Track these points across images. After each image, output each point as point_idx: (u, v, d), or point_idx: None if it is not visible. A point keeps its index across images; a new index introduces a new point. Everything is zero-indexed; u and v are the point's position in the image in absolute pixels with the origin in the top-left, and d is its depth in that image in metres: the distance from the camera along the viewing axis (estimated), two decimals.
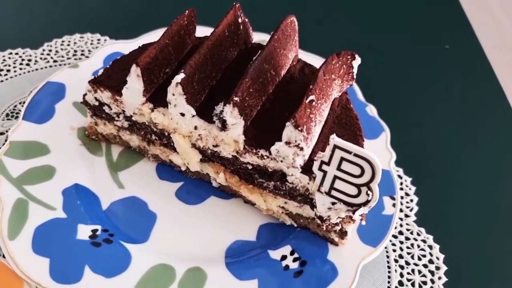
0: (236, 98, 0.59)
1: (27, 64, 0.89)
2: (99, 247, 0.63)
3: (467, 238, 0.72)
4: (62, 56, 0.91)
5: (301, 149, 0.58)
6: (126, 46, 0.86)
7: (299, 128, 0.56)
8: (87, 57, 0.91)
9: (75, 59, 0.91)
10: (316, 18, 1.06)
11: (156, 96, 0.65)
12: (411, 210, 0.74)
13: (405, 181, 0.77)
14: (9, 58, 0.89)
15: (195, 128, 0.64)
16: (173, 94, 0.61)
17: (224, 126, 0.61)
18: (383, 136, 0.78)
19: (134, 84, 0.63)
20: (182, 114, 0.63)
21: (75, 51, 0.92)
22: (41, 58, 0.90)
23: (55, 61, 0.90)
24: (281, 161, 0.60)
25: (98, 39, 0.95)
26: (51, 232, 0.63)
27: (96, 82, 0.67)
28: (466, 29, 1.07)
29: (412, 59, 1.01)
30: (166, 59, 0.66)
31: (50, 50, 0.91)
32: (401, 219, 0.73)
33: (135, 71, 0.62)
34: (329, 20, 1.08)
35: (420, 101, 0.93)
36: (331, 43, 0.99)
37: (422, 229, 0.72)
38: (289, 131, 0.57)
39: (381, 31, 1.07)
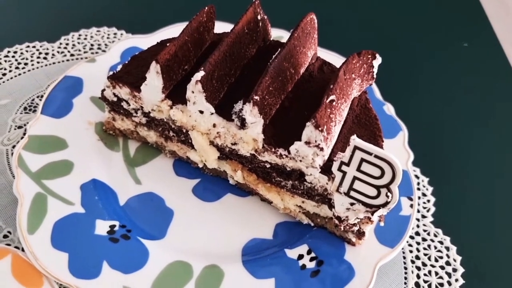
0: (256, 97, 0.58)
1: (45, 58, 0.89)
2: (117, 243, 0.63)
3: (485, 240, 0.72)
4: (79, 50, 0.91)
5: (321, 149, 0.57)
6: (143, 41, 0.86)
7: (320, 129, 0.56)
8: (103, 51, 0.91)
9: (92, 53, 0.91)
10: (333, 15, 1.05)
11: (175, 93, 0.65)
12: (428, 211, 0.73)
13: (422, 181, 0.77)
14: (27, 51, 0.90)
15: (214, 125, 0.64)
16: (193, 92, 0.61)
17: (243, 125, 0.61)
18: (400, 136, 0.77)
19: (153, 80, 0.63)
20: (201, 112, 0.63)
21: (92, 44, 0.92)
22: (58, 52, 0.90)
23: (72, 54, 0.90)
24: (300, 160, 0.60)
25: (115, 33, 0.95)
26: (69, 227, 0.64)
27: (115, 78, 0.67)
28: (485, 26, 1.05)
29: (431, 57, 0.99)
30: (185, 56, 0.65)
31: (67, 44, 0.92)
32: (418, 219, 0.72)
33: (154, 68, 0.62)
34: (346, 18, 1.07)
35: (438, 99, 0.92)
36: (348, 41, 0.98)
37: (439, 230, 0.71)
38: (309, 131, 0.57)
39: (399, 29, 1.06)
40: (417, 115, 0.87)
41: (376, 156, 0.55)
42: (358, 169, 0.56)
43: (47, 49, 0.90)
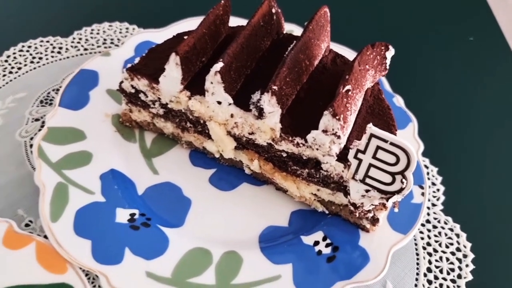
0: (274, 87, 0.60)
1: (59, 52, 0.90)
2: (138, 230, 0.65)
3: (494, 227, 0.74)
4: (92, 44, 0.92)
5: (338, 137, 0.59)
6: (156, 35, 0.88)
7: (337, 117, 0.58)
8: (116, 45, 0.93)
9: (105, 47, 0.92)
10: (339, 9, 1.07)
11: (193, 84, 0.67)
12: (438, 200, 0.75)
13: (432, 171, 0.79)
14: (41, 45, 0.91)
15: (231, 116, 0.65)
16: (211, 83, 0.63)
17: (261, 114, 0.62)
18: (410, 127, 0.79)
19: (173, 72, 0.65)
20: (219, 102, 0.65)
21: (105, 39, 0.94)
22: (72, 46, 0.91)
23: (85, 49, 0.91)
24: (317, 149, 0.62)
25: (127, 28, 0.96)
26: (91, 215, 0.65)
27: (134, 70, 0.69)
28: (490, 21, 1.07)
29: (437, 51, 1.01)
30: (202, 48, 0.67)
31: (80, 39, 0.93)
32: (428, 208, 0.74)
33: (174, 59, 0.63)
34: (351, 12, 1.09)
35: (446, 92, 0.94)
36: (354, 34, 0.99)
37: (449, 218, 0.73)
38: (326, 120, 0.58)
39: (405, 23, 1.08)
40: (425, 106, 0.88)
41: (391, 144, 0.56)
42: (374, 157, 0.58)
43: (61, 43, 0.92)
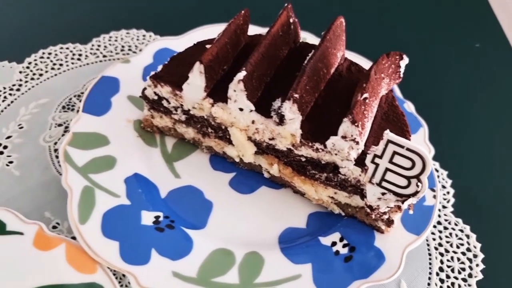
0: (296, 95, 0.63)
1: (78, 59, 0.93)
2: (163, 232, 0.68)
3: (503, 228, 0.77)
4: (111, 51, 0.95)
5: (357, 143, 0.62)
6: (174, 42, 0.90)
7: (356, 124, 0.61)
8: (134, 52, 0.95)
9: (123, 54, 0.95)
10: (347, 18, 1.10)
11: (215, 92, 0.69)
12: (448, 202, 0.78)
13: (442, 174, 0.82)
14: (61, 52, 0.94)
15: (253, 122, 0.68)
16: (235, 91, 0.65)
17: (281, 121, 0.65)
18: (421, 132, 0.82)
19: (196, 80, 0.67)
20: (241, 109, 0.67)
21: (123, 46, 0.96)
22: (91, 53, 0.94)
23: (104, 56, 0.94)
24: (336, 154, 0.65)
25: (143, 35, 0.99)
26: (117, 217, 0.68)
27: (157, 78, 0.72)
28: (495, 28, 1.11)
29: (445, 58, 1.05)
30: (224, 56, 0.70)
31: (99, 45, 0.96)
32: (439, 210, 0.77)
33: (198, 68, 0.66)
34: (359, 20, 1.12)
35: (453, 97, 0.97)
36: (363, 42, 1.03)
37: (459, 220, 0.76)
38: (345, 126, 0.61)
39: (412, 30, 1.11)
40: (434, 112, 0.91)
41: (407, 149, 0.59)
42: (390, 161, 0.61)
43: (80, 50, 0.94)
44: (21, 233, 0.66)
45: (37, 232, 0.66)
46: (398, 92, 0.88)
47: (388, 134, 0.59)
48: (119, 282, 0.66)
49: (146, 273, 0.63)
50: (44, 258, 0.64)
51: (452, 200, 0.79)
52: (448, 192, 0.80)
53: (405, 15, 1.15)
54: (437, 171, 0.82)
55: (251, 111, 0.67)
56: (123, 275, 0.67)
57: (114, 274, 0.66)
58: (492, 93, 0.99)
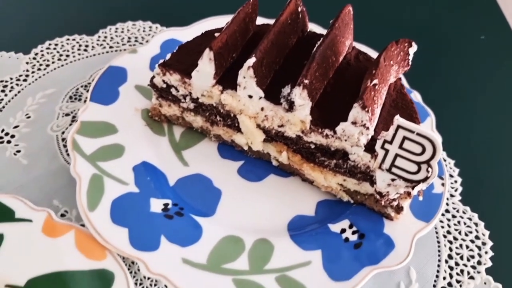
0: (306, 81, 0.63)
1: (85, 50, 0.93)
2: (172, 219, 0.68)
3: (511, 216, 0.77)
4: (117, 42, 0.95)
5: (367, 128, 0.62)
6: (180, 33, 0.90)
7: (366, 109, 0.61)
8: (140, 43, 0.95)
9: (130, 45, 0.95)
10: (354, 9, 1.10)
11: (225, 79, 0.69)
12: (456, 191, 0.78)
13: (449, 163, 0.82)
14: (67, 43, 0.94)
15: (262, 109, 0.68)
16: (244, 77, 0.65)
17: (291, 107, 0.65)
18: (428, 121, 0.82)
19: (206, 67, 0.67)
20: (250, 96, 0.68)
21: (129, 37, 0.96)
22: (97, 44, 0.94)
23: (111, 47, 0.94)
24: (346, 140, 0.65)
25: (150, 27, 0.99)
26: (126, 204, 0.68)
27: (166, 66, 0.72)
28: (501, 22, 1.11)
29: (451, 49, 1.05)
30: (233, 44, 0.70)
31: (105, 37, 0.96)
32: (447, 198, 0.77)
33: (208, 54, 0.66)
34: (366, 12, 1.12)
35: (459, 88, 0.97)
36: (371, 34, 1.03)
37: (467, 208, 0.76)
38: (356, 112, 0.61)
39: (418, 23, 1.11)
40: (441, 102, 0.92)
41: (418, 134, 0.59)
42: (400, 147, 0.61)
43: (87, 41, 0.94)
44: (30, 220, 0.66)
45: (46, 219, 0.66)
46: (404, 83, 0.88)
47: (398, 120, 0.59)
48: (129, 269, 0.66)
49: (156, 259, 0.63)
50: (53, 244, 0.64)
51: (460, 189, 0.79)
52: (455, 181, 0.80)
53: (412, 7, 1.15)
54: (444, 160, 0.82)
55: (261, 98, 0.67)
56: (132, 262, 0.67)
57: (123, 261, 0.66)
58: (498, 83, 0.99)
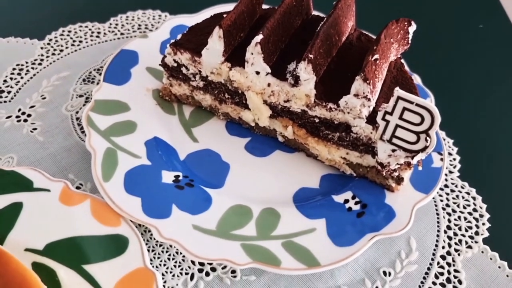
0: (310, 55, 0.66)
1: (97, 36, 0.97)
2: (183, 190, 0.71)
3: (507, 191, 0.80)
4: (128, 30, 0.99)
5: (369, 100, 0.65)
6: (189, 20, 0.94)
7: (367, 82, 0.64)
8: (150, 30, 0.99)
9: (140, 32, 0.99)
10: None
11: (233, 57, 0.73)
12: (454, 167, 0.82)
13: (448, 142, 0.85)
14: (80, 30, 0.98)
15: (268, 85, 0.72)
16: (252, 53, 0.69)
17: (296, 82, 0.69)
18: (428, 101, 0.85)
19: (215, 44, 0.71)
20: (257, 73, 0.71)
21: (139, 25, 1.00)
22: (109, 31, 0.98)
23: (122, 33, 0.98)
24: (348, 112, 0.68)
25: (159, 15, 1.03)
26: (139, 176, 0.71)
27: (177, 45, 0.75)
28: (498, 10, 1.16)
29: (450, 37, 1.09)
30: (241, 24, 0.73)
31: (116, 24, 1.00)
32: (446, 174, 0.80)
33: (217, 32, 0.70)
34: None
35: (458, 72, 1.01)
36: (369, 19, 1.06)
37: (466, 183, 0.79)
38: (358, 84, 0.65)
39: (418, 12, 1.15)
40: (439, 85, 0.95)
41: (417, 105, 0.63)
42: (400, 117, 0.64)
43: (99, 28, 0.98)
44: (48, 190, 0.69)
45: (62, 189, 0.69)
46: (405, 66, 0.91)
47: (398, 91, 0.63)
48: (142, 236, 0.69)
49: (168, 225, 0.66)
50: (70, 212, 0.67)
51: (458, 166, 0.82)
52: (454, 159, 0.83)
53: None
54: (444, 139, 0.85)
55: (267, 74, 0.71)
56: (144, 231, 0.70)
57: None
58: (494, 66, 1.03)
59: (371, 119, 0.68)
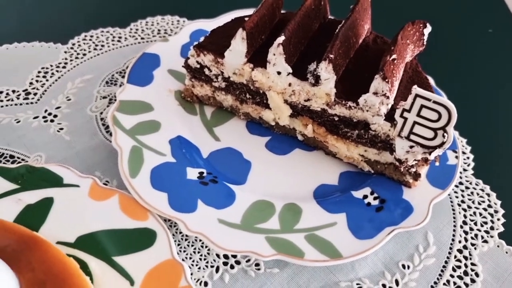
0: (331, 55, 0.69)
1: (118, 41, 1.00)
2: (207, 186, 0.73)
3: None
4: (148, 34, 1.02)
5: (387, 97, 0.68)
6: (208, 24, 0.98)
7: (386, 80, 0.67)
8: (170, 35, 1.02)
9: (160, 36, 1.02)
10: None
11: (255, 58, 0.76)
12: (468, 166, 0.84)
13: (461, 141, 0.87)
14: (102, 35, 1.01)
15: (289, 85, 0.74)
16: (274, 54, 0.72)
17: (317, 81, 0.71)
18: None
19: (238, 46, 0.74)
20: (279, 73, 0.74)
21: (159, 30, 1.03)
22: (130, 36, 1.01)
23: (142, 38, 1.01)
24: (367, 110, 0.70)
25: (178, 20, 1.06)
26: (165, 172, 0.73)
27: (200, 47, 0.78)
28: (507, 17, 1.19)
29: (460, 40, 1.12)
30: (263, 26, 0.76)
31: (137, 29, 1.03)
32: (460, 172, 0.82)
33: (241, 34, 0.73)
34: (379, 3, 1.19)
35: (470, 73, 1.04)
36: (380, 21, 1.10)
37: (480, 181, 0.81)
38: (377, 83, 0.67)
39: (430, 17, 1.18)
40: (452, 87, 0.98)
41: (434, 102, 0.65)
42: (418, 115, 0.67)
43: (120, 33, 1.02)
44: (77, 186, 0.72)
45: (91, 184, 0.72)
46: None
47: (416, 89, 0.65)
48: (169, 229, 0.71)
49: (194, 219, 0.68)
50: (100, 207, 0.70)
51: (472, 164, 0.84)
52: (468, 157, 0.85)
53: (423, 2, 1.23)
54: (457, 139, 0.87)
55: (288, 74, 0.73)
56: (170, 226, 0.72)
57: None
58: (504, 68, 1.06)
59: (389, 117, 0.70)
